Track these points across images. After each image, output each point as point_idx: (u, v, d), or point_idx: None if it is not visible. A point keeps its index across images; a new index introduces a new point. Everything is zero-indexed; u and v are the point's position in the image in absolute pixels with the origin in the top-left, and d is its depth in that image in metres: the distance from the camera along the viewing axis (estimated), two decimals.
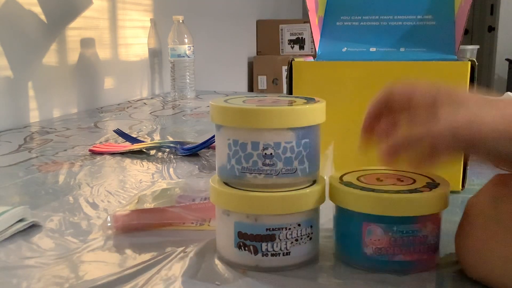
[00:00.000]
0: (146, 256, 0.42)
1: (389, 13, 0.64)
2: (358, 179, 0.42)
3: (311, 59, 0.63)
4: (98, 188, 0.60)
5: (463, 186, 0.57)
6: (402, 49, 0.62)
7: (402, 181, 0.41)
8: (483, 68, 4.46)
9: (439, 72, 0.55)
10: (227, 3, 2.09)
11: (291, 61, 0.58)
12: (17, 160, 0.74)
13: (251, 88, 2.36)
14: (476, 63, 0.54)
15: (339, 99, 0.56)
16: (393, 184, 0.40)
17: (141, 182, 0.63)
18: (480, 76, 4.43)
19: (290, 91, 0.58)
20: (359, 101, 0.56)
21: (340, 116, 0.57)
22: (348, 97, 0.57)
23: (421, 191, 0.38)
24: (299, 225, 0.39)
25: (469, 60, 0.54)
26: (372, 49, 0.64)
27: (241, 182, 0.39)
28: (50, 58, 1.14)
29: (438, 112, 0.35)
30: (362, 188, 0.39)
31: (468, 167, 0.57)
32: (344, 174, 0.43)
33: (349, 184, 0.40)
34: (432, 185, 0.40)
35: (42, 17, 1.11)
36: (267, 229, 0.39)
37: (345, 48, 0.64)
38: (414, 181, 0.41)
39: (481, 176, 0.62)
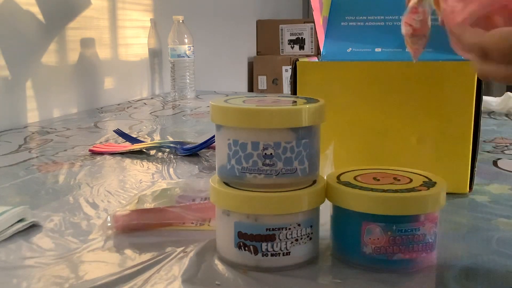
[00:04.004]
0: (146, 256, 0.42)
1: (394, 13, 0.64)
2: (355, 178, 0.42)
3: (315, 59, 0.63)
4: (98, 188, 0.60)
5: (470, 188, 0.56)
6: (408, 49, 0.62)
7: (398, 180, 0.41)
8: None
9: (447, 72, 0.54)
10: (227, 3, 2.09)
11: (295, 61, 0.57)
12: (17, 160, 0.74)
13: (251, 88, 2.36)
14: None
15: (343, 100, 0.56)
16: (390, 184, 0.40)
17: (141, 182, 0.63)
18: None
19: (294, 92, 0.58)
20: (363, 101, 0.56)
21: (341, 116, 0.56)
22: (352, 98, 0.56)
23: (419, 190, 0.39)
24: (299, 225, 0.39)
25: None
26: (378, 50, 0.63)
27: (241, 182, 0.40)
28: (50, 58, 1.14)
29: None
30: (361, 188, 0.39)
31: (476, 169, 0.57)
32: (341, 174, 0.43)
33: (347, 184, 0.40)
34: (429, 184, 0.40)
35: (42, 17, 1.11)
36: (267, 229, 0.39)
37: (350, 49, 0.64)
38: (411, 180, 0.41)
39: (487, 177, 0.62)
